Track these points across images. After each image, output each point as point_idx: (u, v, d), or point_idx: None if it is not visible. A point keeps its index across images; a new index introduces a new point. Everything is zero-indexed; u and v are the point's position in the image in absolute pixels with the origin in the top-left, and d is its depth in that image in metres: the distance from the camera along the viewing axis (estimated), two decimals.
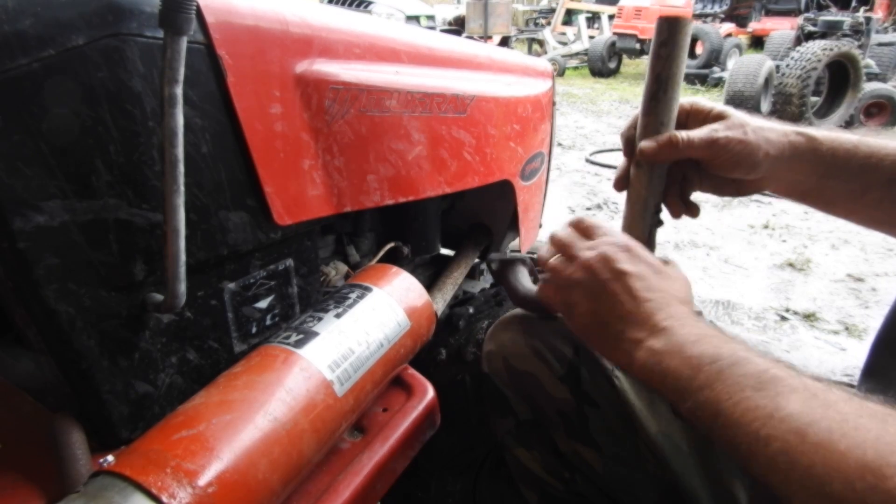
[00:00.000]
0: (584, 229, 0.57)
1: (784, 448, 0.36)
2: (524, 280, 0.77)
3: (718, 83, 7.89)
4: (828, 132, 0.60)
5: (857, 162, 0.57)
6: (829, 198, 0.61)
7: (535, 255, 0.78)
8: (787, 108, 5.41)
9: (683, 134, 0.59)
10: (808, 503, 0.35)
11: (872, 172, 0.57)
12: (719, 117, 0.60)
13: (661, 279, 0.52)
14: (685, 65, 0.61)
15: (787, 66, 5.33)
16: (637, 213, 0.64)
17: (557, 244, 0.57)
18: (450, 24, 9.17)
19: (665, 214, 0.67)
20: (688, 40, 0.61)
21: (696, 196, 0.67)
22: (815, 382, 0.39)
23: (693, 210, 0.66)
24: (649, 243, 0.66)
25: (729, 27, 10.70)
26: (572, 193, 3.81)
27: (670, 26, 0.59)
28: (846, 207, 0.61)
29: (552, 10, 11.60)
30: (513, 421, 0.71)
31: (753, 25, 11.28)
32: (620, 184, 0.66)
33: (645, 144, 0.60)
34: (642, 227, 0.65)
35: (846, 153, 0.57)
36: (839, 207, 0.62)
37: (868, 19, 6.08)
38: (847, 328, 2.22)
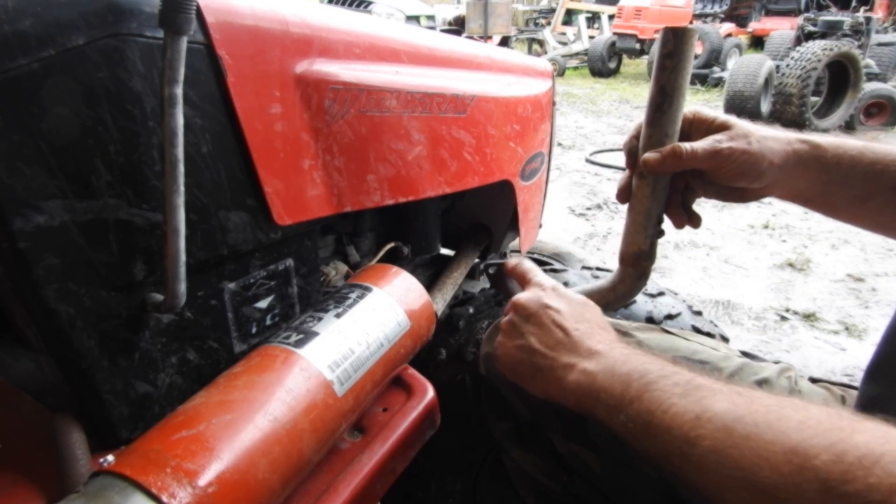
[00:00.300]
0: (518, 276, 0.64)
1: (713, 446, 0.37)
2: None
3: (718, 83, 7.89)
4: (833, 139, 0.60)
5: (862, 168, 0.57)
6: (833, 203, 0.61)
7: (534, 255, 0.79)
8: (787, 108, 5.41)
9: (687, 145, 0.59)
10: (739, 496, 0.35)
11: (877, 179, 0.57)
12: (723, 127, 0.60)
13: (583, 310, 0.56)
14: (690, 75, 0.61)
15: (787, 66, 5.32)
16: (639, 224, 0.65)
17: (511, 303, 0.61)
18: (450, 24, 9.17)
19: (667, 224, 0.67)
20: (693, 51, 0.60)
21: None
22: (738, 385, 0.41)
23: (695, 220, 0.67)
24: (650, 254, 0.67)
25: (729, 27, 10.71)
26: (572, 193, 3.81)
27: (676, 37, 0.59)
28: (851, 213, 0.61)
29: (552, 10, 11.60)
30: (511, 423, 0.71)
31: (753, 25, 11.28)
32: (623, 195, 0.67)
33: (649, 156, 0.60)
34: (644, 237, 0.65)
35: (851, 160, 0.58)
36: (844, 213, 0.62)
37: (868, 19, 6.07)
38: (847, 328, 2.22)
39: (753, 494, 0.34)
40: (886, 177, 0.56)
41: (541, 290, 0.58)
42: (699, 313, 0.96)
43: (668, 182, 0.64)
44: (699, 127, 0.62)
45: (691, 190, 0.65)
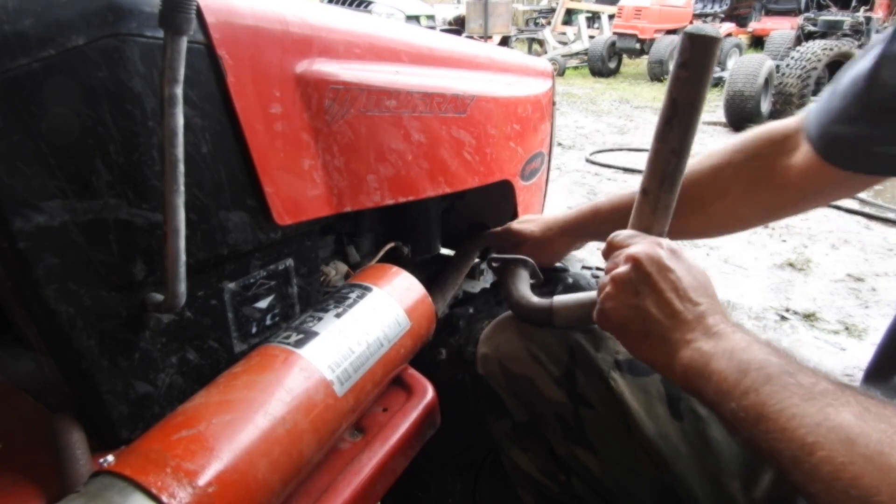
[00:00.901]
0: (630, 235, 0.58)
1: (830, 457, 0.36)
2: (521, 285, 0.76)
3: (718, 83, 7.89)
4: (587, 208, 0.84)
5: (608, 221, 0.76)
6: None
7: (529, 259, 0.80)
8: (787, 108, 5.41)
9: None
10: None
11: (619, 222, 0.62)
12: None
13: (706, 282, 0.53)
14: (707, 90, 0.56)
15: (787, 65, 5.32)
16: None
17: (610, 243, 0.58)
18: (450, 24, 9.16)
19: None
20: (713, 63, 0.55)
21: None
22: (868, 398, 0.39)
23: None
24: None
25: (729, 27, 10.69)
26: (572, 193, 3.81)
27: (694, 45, 0.53)
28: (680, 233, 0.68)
29: (552, 10, 11.59)
30: (509, 423, 0.71)
31: (753, 25, 11.28)
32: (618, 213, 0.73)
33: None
34: None
35: (603, 220, 0.80)
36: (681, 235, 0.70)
37: (868, 19, 6.08)
38: (847, 328, 2.22)
39: None
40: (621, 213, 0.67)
41: (660, 247, 0.53)
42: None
43: (672, 202, 0.60)
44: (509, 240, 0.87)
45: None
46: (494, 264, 0.80)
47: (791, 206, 0.69)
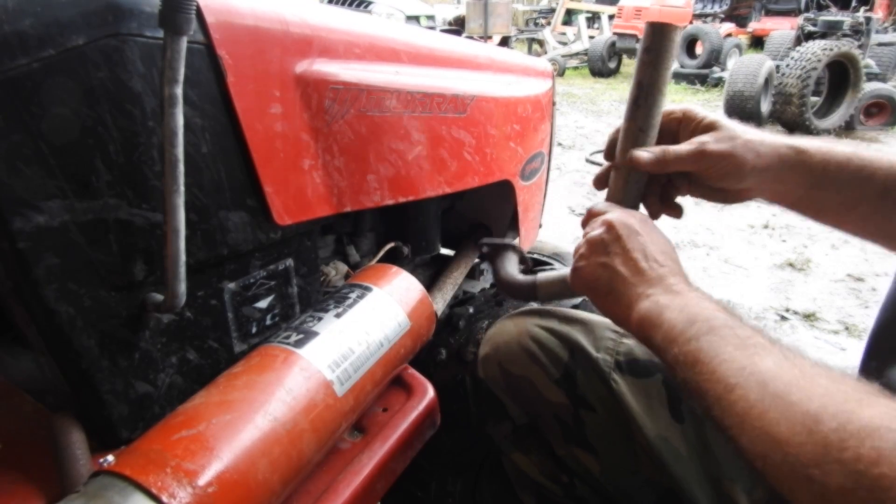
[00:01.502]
0: (606, 205, 0.62)
1: (745, 395, 0.40)
2: (510, 266, 0.85)
3: (718, 83, 7.89)
4: (822, 143, 0.59)
5: (849, 174, 0.57)
6: (819, 208, 0.61)
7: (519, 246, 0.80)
8: (787, 108, 5.40)
9: (673, 149, 0.60)
10: (754, 445, 0.39)
11: (864, 185, 0.57)
12: (710, 128, 0.60)
13: (669, 248, 0.56)
14: (670, 73, 0.61)
15: (787, 66, 5.32)
16: None
17: (589, 212, 0.62)
18: (450, 24, 9.16)
19: (667, 225, 0.68)
20: (674, 48, 0.60)
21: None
22: (792, 351, 0.43)
23: (676, 210, 0.67)
24: None
25: (729, 27, 10.69)
26: (572, 193, 3.81)
27: (655, 32, 0.59)
28: (837, 218, 0.62)
29: (552, 10, 11.59)
30: (509, 425, 0.71)
31: (753, 25, 11.28)
32: (599, 183, 0.68)
33: (638, 154, 0.60)
34: None
35: (838, 165, 0.57)
36: (830, 217, 0.62)
37: (868, 19, 6.07)
38: (847, 328, 2.22)
39: (767, 446, 0.38)
40: (874, 183, 0.56)
41: (632, 216, 0.58)
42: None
43: (642, 177, 0.63)
44: (687, 126, 0.62)
45: (674, 187, 0.65)
46: (485, 249, 0.85)
47: None
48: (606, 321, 0.66)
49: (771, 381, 0.40)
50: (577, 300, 0.89)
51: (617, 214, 0.58)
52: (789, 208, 0.63)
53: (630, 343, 0.64)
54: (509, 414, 0.71)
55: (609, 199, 0.65)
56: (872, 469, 0.32)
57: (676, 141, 0.62)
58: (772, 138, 0.60)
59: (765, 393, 0.40)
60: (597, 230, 0.57)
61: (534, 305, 0.90)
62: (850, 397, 0.37)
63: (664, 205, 0.66)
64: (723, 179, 0.60)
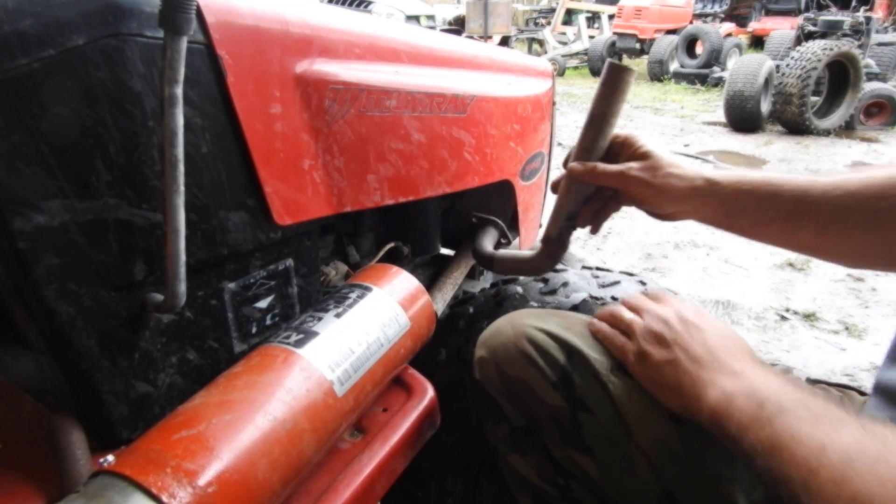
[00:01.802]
0: (652, 297, 0.66)
1: (832, 476, 0.40)
2: (485, 238, 1.00)
3: (718, 83, 7.89)
4: (735, 173, 0.67)
5: (758, 198, 0.64)
6: (736, 228, 0.69)
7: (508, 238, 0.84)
8: (787, 108, 5.41)
9: (602, 165, 0.70)
10: None
11: (773, 207, 0.64)
12: (642, 157, 0.69)
13: (724, 330, 0.60)
14: (621, 106, 0.70)
15: (787, 65, 5.32)
16: (555, 214, 0.78)
17: (629, 304, 0.66)
18: (450, 24, 9.16)
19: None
20: (627, 88, 0.69)
21: None
22: (868, 420, 0.44)
23: (594, 227, 0.79)
24: (559, 241, 0.80)
25: (729, 27, 10.70)
26: None
27: (612, 71, 0.68)
28: (753, 235, 0.68)
29: (552, 10, 11.59)
30: (506, 428, 0.71)
31: (753, 25, 11.29)
32: (555, 187, 0.78)
33: (573, 165, 0.71)
34: (556, 226, 0.79)
35: (748, 192, 0.65)
36: (747, 234, 0.69)
37: (868, 19, 6.07)
38: (847, 328, 2.22)
39: None
40: (781, 205, 0.63)
41: (684, 308, 0.62)
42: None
43: (584, 188, 0.74)
44: (627, 150, 0.71)
45: (616, 200, 0.74)
46: (474, 220, 0.99)
47: None
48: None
49: (855, 458, 0.40)
50: (578, 301, 0.89)
51: (671, 310, 0.61)
52: (716, 228, 0.71)
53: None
54: (506, 416, 0.70)
55: (557, 201, 0.76)
56: None
57: (617, 161, 0.71)
58: (691, 172, 0.68)
59: (850, 471, 0.40)
60: (654, 324, 0.60)
61: (532, 307, 0.90)
62: None
63: (597, 217, 0.77)
64: (645, 203, 0.70)
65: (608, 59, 0.70)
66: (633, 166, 0.69)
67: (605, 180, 0.70)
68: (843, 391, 0.66)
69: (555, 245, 0.81)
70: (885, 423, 0.43)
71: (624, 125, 6.00)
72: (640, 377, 0.60)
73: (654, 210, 0.71)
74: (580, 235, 3.10)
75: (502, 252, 0.92)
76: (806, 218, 0.62)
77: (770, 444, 0.45)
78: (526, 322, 0.69)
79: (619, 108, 0.70)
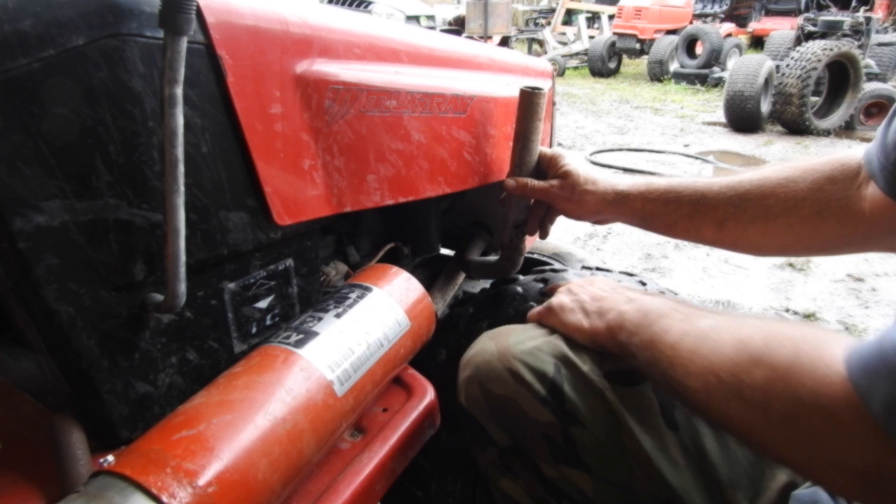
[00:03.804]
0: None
1: (690, 348, 0.49)
2: (472, 245, 1.11)
3: (718, 83, 7.89)
4: (642, 183, 0.79)
5: (664, 203, 0.76)
6: (653, 230, 0.80)
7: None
8: (787, 108, 5.41)
9: (531, 182, 0.84)
10: (698, 379, 0.47)
11: (677, 209, 0.75)
12: (563, 175, 0.82)
13: (623, 281, 0.74)
14: (540, 124, 0.82)
15: (787, 66, 5.32)
16: (504, 223, 0.90)
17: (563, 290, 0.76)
18: (450, 24, 9.17)
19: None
20: (540, 109, 0.81)
21: None
22: (729, 314, 0.52)
23: (542, 233, 0.91)
24: (511, 246, 0.92)
25: (729, 27, 10.71)
26: None
27: (523, 97, 0.81)
28: (667, 233, 0.79)
29: (552, 10, 11.60)
30: (494, 451, 0.68)
31: (753, 25, 11.29)
32: (501, 202, 0.90)
33: (506, 180, 0.85)
34: (506, 234, 0.91)
35: (655, 199, 0.77)
36: (662, 233, 0.80)
37: (868, 19, 6.07)
38: (847, 328, 2.22)
39: (708, 376, 0.46)
40: (683, 207, 0.75)
41: (577, 282, 0.74)
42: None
43: (522, 200, 0.87)
44: (553, 167, 0.84)
45: (555, 210, 0.87)
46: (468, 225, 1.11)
47: (860, 243, 0.66)
48: None
49: (710, 332, 0.48)
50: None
51: (578, 281, 0.74)
52: (635, 227, 0.82)
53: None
54: (493, 438, 0.68)
55: (503, 213, 0.90)
56: (781, 370, 0.41)
57: (546, 176, 0.85)
58: (603, 187, 0.80)
59: (704, 338, 0.48)
60: (567, 286, 0.73)
61: (532, 307, 0.90)
62: (774, 322, 0.46)
63: (543, 224, 0.89)
64: (568, 214, 0.85)
65: (520, 88, 0.81)
66: (554, 184, 0.82)
67: (534, 194, 0.84)
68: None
69: (509, 250, 0.93)
70: (739, 315, 0.51)
71: (624, 125, 6.00)
72: (554, 323, 0.69)
73: (582, 219, 0.85)
74: (580, 236, 3.10)
75: (476, 259, 1.08)
76: (706, 217, 0.73)
77: (649, 341, 0.54)
78: (510, 338, 0.68)
79: (537, 126, 0.82)
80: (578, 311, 0.66)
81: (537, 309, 0.73)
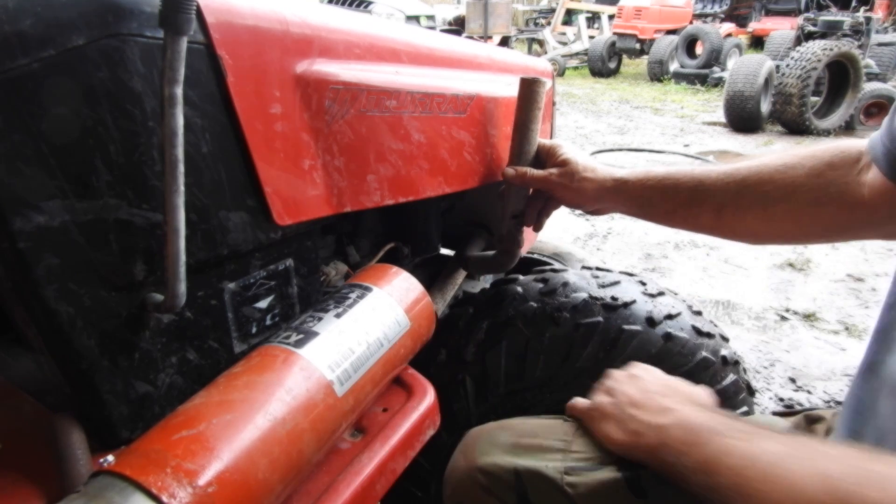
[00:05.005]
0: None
1: (762, 475, 0.45)
2: (473, 243, 1.11)
3: (718, 83, 7.89)
4: (640, 172, 0.78)
5: (662, 191, 0.75)
6: (651, 218, 0.80)
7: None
8: (787, 108, 5.41)
9: (530, 171, 0.83)
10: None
11: (675, 197, 0.74)
12: (562, 164, 0.82)
13: (666, 380, 0.65)
14: (539, 113, 0.81)
15: (787, 66, 5.32)
16: (502, 215, 0.90)
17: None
18: (450, 24, 9.17)
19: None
20: (537, 98, 0.80)
21: None
22: (791, 436, 0.50)
23: (537, 226, 0.92)
24: (509, 239, 0.91)
25: (729, 27, 10.71)
26: None
27: (522, 85, 0.80)
28: (665, 221, 0.79)
29: (552, 10, 11.60)
30: None
31: (753, 25, 11.30)
32: (501, 193, 0.90)
33: (506, 170, 0.85)
34: (505, 225, 0.90)
35: (652, 187, 0.76)
36: (660, 221, 0.79)
37: (868, 19, 6.08)
38: (847, 328, 2.22)
39: None
40: (681, 195, 0.74)
41: (636, 367, 0.69)
42: (699, 313, 0.96)
43: (521, 190, 0.86)
44: (551, 157, 0.84)
45: (555, 200, 0.87)
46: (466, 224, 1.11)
47: (858, 229, 0.66)
48: (555, 424, 0.68)
49: (784, 458, 0.45)
50: (578, 301, 0.90)
51: (623, 371, 0.68)
52: (633, 216, 0.82)
53: (581, 441, 0.64)
54: None
55: (502, 204, 0.89)
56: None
57: (545, 166, 0.84)
58: (602, 175, 0.79)
59: (779, 469, 0.44)
60: (606, 382, 0.67)
61: (532, 307, 0.90)
62: (858, 455, 0.43)
63: (540, 215, 0.90)
64: (567, 203, 0.84)
65: (521, 77, 0.80)
66: (553, 172, 0.81)
67: (534, 183, 0.84)
68: (810, 414, 0.66)
69: (507, 243, 0.92)
70: (814, 436, 0.48)
71: (624, 125, 6.01)
72: (591, 427, 0.64)
73: (580, 208, 0.84)
74: (580, 236, 3.10)
75: (474, 254, 1.06)
76: (704, 204, 0.72)
77: (704, 462, 0.49)
78: (477, 450, 0.68)
79: (537, 115, 0.81)
80: (614, 418, 0.62)
81: (578, 404, 0.68)
